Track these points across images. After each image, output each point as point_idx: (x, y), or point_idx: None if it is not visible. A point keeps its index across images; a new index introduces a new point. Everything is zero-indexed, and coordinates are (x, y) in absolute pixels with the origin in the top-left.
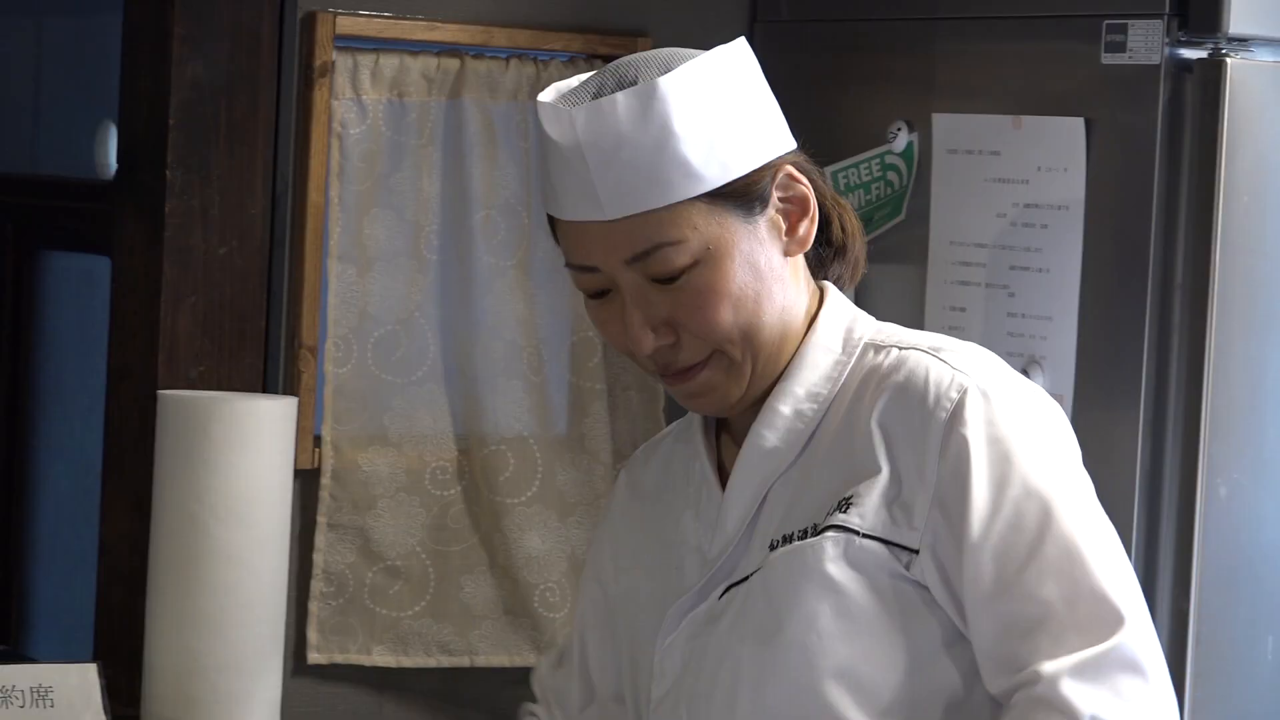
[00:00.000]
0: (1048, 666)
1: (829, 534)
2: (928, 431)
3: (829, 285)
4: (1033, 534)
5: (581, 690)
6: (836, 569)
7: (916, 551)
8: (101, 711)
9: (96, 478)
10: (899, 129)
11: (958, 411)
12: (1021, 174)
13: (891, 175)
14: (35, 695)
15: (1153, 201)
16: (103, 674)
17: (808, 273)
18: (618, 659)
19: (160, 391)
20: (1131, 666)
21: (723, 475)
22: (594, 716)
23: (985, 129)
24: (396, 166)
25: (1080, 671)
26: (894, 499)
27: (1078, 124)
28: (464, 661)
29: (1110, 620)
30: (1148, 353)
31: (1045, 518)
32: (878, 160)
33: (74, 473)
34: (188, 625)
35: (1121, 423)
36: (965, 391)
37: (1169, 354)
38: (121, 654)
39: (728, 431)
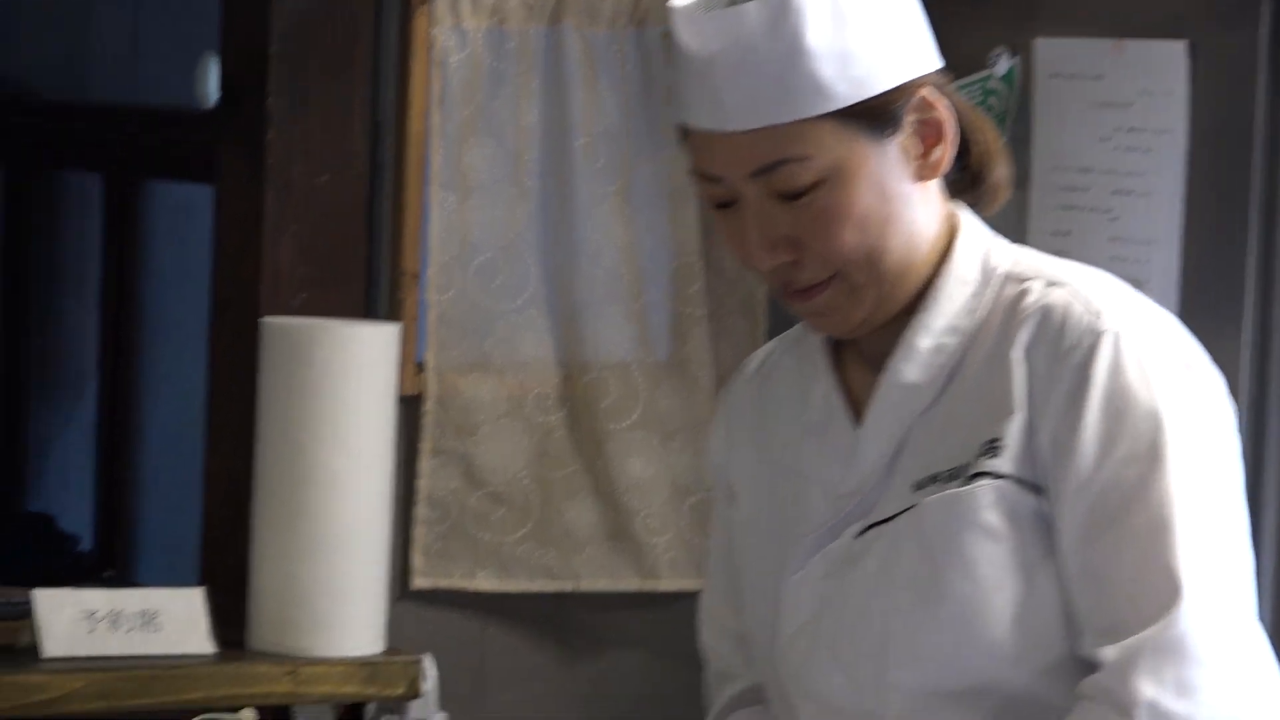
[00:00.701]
0: (1109, 653)
1: (982, 481)
2: (1059, 373)
3: (964, 210)
4: (1126, 498)
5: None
6: (992, 516)
7: (1047, 492)
8: (208, 636)
9: (201, 406)
10: (1000, 54)
11: (1088, 357)
12: (1124, 98)
13: (992, 101)
14: (143, 620)
15: (1255, 124)
16: (209, 599)
17: (943, 196)
18: (737, 592)
19: (264, 319)
20: (1192, 653)
21: (850, 400)
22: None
23: (1087, 53)
24: (496, 94)
25: (1142, 658)
26: (1032, 439)
27: (1180, 48)
28: (567, 586)
29: (1170, 598)
30: (1252, 276)
31: (1143, 483)
32: (979, 86)
33: (179, 401)
34: (292, 551)
35: (1225, 348)
36: (1100, 337)
37: (1273, 276)
38: (227, 579)
39: (852, 353)
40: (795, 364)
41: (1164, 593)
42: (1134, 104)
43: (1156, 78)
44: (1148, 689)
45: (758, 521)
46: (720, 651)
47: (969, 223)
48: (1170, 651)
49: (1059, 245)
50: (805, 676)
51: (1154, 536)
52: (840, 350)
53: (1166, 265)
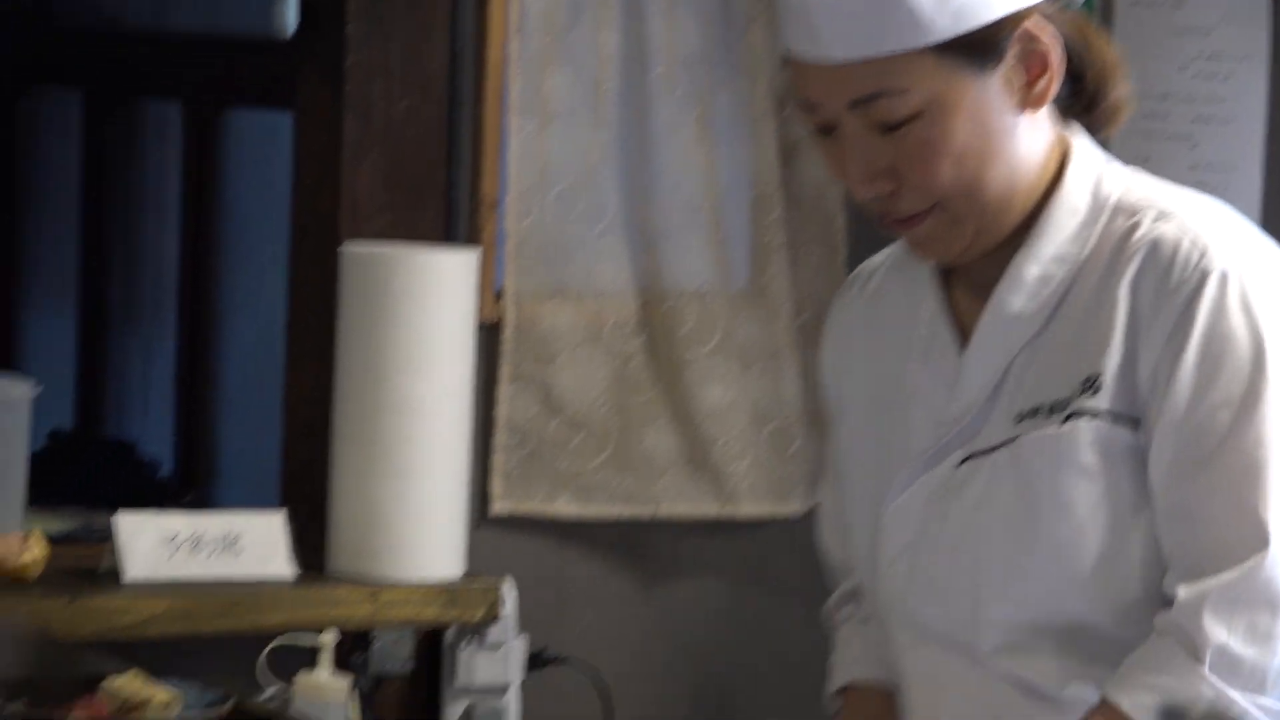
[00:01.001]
0: (1184, 592)
1: (1082, 419)
2: (1163, 309)
3: (1077, 135)
4: (1218, 439)
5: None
6: (1090, 456)
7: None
8: (288, 559)
9: (281, 331)
10: None
11: (1193, 295)
12: (1204, 24)
13: None
14: (224, 543)
15: None
16: (289, 523)
17: (1054, 121)
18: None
19: (343, 246)
20: (1270, 600)
21: (957, 325)
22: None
23: None
24: (576, 21)
25: (1216, 600)
26: (1132, 373)
27: None
28: (646, 512)
29: (1256, 544)
30: None
31: (1236, 426)
32: None
33: (259, 326)
34: (372, 475)
35: None
36: (1206, 276)
37: None
38: (307, 503)
39: (961, 277)
40: (904, 283)
41: (1250, 538)
42: (1214, 30)
43: (1237, 4)
44: (1219, 632)
45: (863, 443)
46: (833, 549)
47: (1081, 148)
48: (1248, 597)
49: None
50: (902, 604)
51: (1244, 481)
52: (949, 273)
53: (1247, 192)
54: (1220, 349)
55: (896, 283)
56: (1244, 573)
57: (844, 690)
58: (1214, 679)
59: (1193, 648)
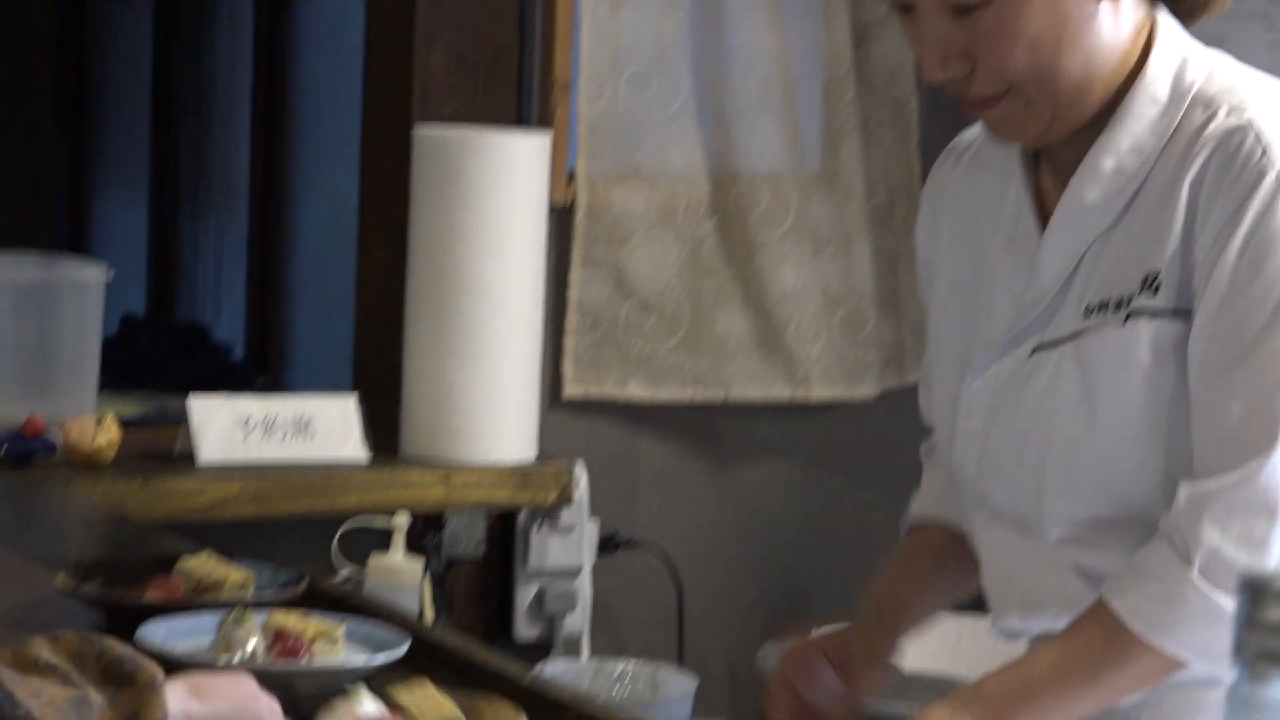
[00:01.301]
0: (1185, 492)
1: (1141, 319)
2: (1217, 204)
3: (1162, 18)
4: (1250, 340)
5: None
6: (1149, 356)
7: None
8: (360, 442)
9: (353, 214)
10: None
11: (1246, 194)
12: None
13: None
14: (296, 426)
15: None
16: (361, 405)
17: (1140, 5)
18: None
19: (415, 129)
20: (1267, 506)
21: (1040, 209)
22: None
23: None
24: None
25: (1214, 503)
26: (1186, 267)
27: None
28: (718, 395)
29: (1262, 446)
30: None
31: (1269, 329)
32: None
33: (331, 210)
34: (444, 358)
35: None
36: (1265, 174)
37: None
38: (379, 386)
39: (1047, 159)
40: (995, 162)
41: (1257, 442)
42: None
43: None
44: (1212, 535)
45: (948, 320)
46: (926, 409)
47: (1166, 32)
48: (1246, 501)
49: None
50: (977, 485)
51: (1266, 385)
52: (1038, 154)
53: None
54: (1264, 250)
55: (988, 161)
56: (1245, 476)
57: (910, 528)
58: (1202, 583)
59: (1185, 550)
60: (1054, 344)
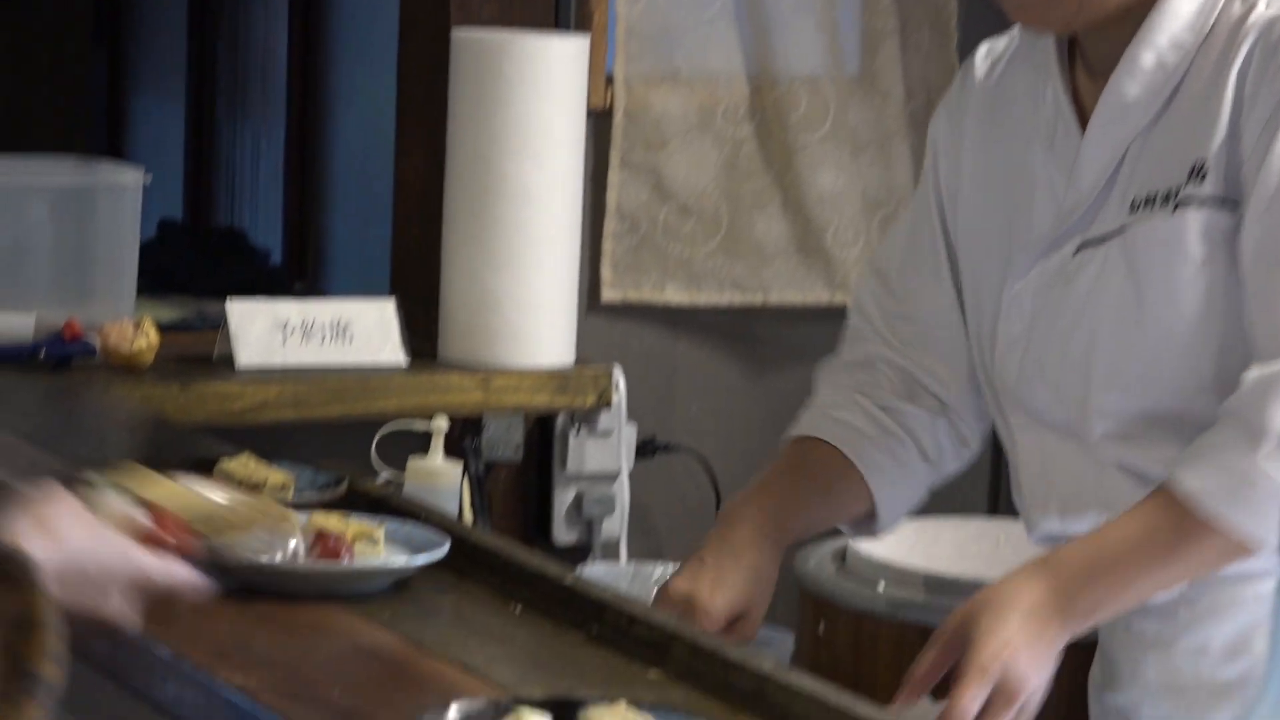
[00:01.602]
0: (1252, 375)
1: (1190, 209)
2: (1264, 90)
3: None
4: None
5: (884, 296)
6: (1199, 246)
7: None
8: (399, 345)
9: (391, 119)
10: None
11: None
12: None
13: None
14: (335, 330)
15: None
16: (400, 309)
17: None
18: (934, 282)
19: (453, 31)
20: None
21: (1078, 109)
22: (896, 332)
23: None
24: None
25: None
26: (1234, 156)
27: None
28: (756, 299)
29: None
30: None
31: None
32: None
33: (369, 115)
34: (482, 262)
35: None
36: None
37: None
38: (417, 291)
39: (1082, 59)
40: (1028, 68)
41: None
42: None
43: None
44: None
45: (983, 226)
46: (864, 312)
47: None
48: None
49: None
50: (1017, 389)
51: None
52: (1073, 57)
53: None
54: None
55: (1021, 67)
56: None
57: (795, 439)
58: (1269, 465)
59: (1251, 433)
60: (1099, 240)
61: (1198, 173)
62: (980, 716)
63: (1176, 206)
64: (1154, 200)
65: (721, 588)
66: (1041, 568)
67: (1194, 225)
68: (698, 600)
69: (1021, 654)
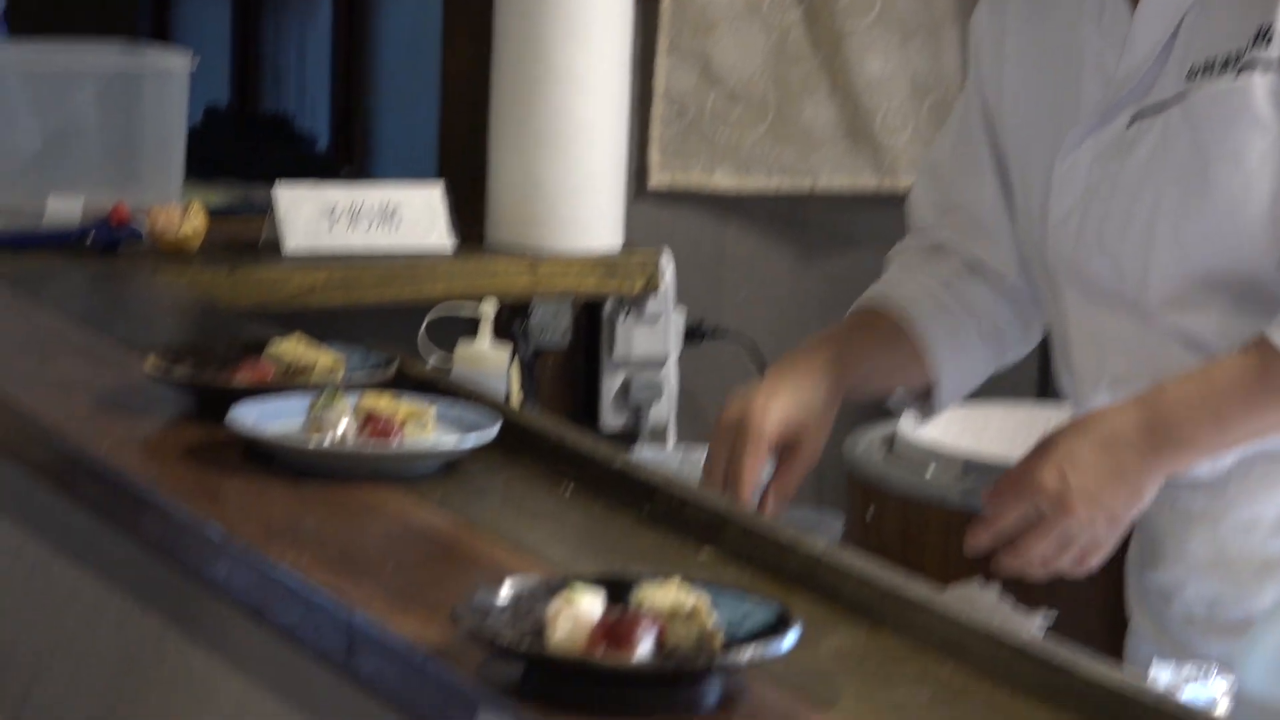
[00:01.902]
0: None
1: (1255, 71)
2: None
3: None
4: None
5: (936, 192)
6: (1266, 108)
7: None
8: (446, 230)
9: (438, 3)
10: None
11: None
12: None
13: None
14: (382, 214)
15: None
16: (447, 194)
17: None
18: (980, 174)
19: None
20: None
21: None
22: (950, 223)
23: None
24: None
25: None
26: None
27: None
28: (805, 184)
29: None
30: None
31: None
32: None
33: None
34: (530, 147)
35: None
36: None
37: None
38: (465, 176)
39: None
40: None
41: None
42: None
43: None
44: None
45: (1031, 103)
46: (923, 203)
47: None
48: None
49: None
50: (1071, 261)
51: None
52: None
53: None
54: None
55: None
56: None
57: (859, 309)
58: None
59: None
60: (1157, 109)
61: (1264, 36)
62: (1027, 535)
63: (1241, 70)
64: (1213, 66)
65: (775, 405)
66: (1136, 400)
67: (1260, 88)
68: (749, 421)
69: (1089, 476)
